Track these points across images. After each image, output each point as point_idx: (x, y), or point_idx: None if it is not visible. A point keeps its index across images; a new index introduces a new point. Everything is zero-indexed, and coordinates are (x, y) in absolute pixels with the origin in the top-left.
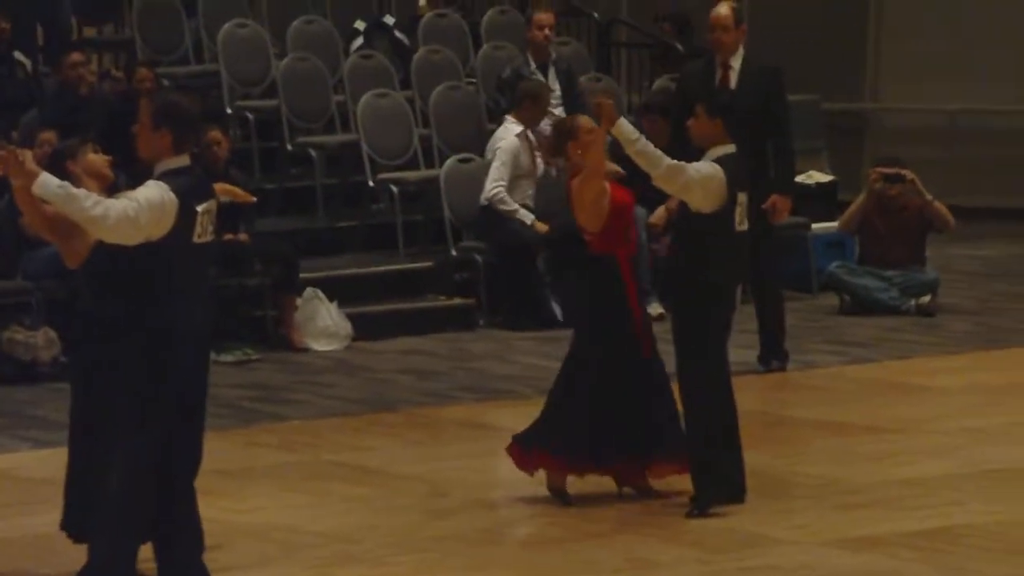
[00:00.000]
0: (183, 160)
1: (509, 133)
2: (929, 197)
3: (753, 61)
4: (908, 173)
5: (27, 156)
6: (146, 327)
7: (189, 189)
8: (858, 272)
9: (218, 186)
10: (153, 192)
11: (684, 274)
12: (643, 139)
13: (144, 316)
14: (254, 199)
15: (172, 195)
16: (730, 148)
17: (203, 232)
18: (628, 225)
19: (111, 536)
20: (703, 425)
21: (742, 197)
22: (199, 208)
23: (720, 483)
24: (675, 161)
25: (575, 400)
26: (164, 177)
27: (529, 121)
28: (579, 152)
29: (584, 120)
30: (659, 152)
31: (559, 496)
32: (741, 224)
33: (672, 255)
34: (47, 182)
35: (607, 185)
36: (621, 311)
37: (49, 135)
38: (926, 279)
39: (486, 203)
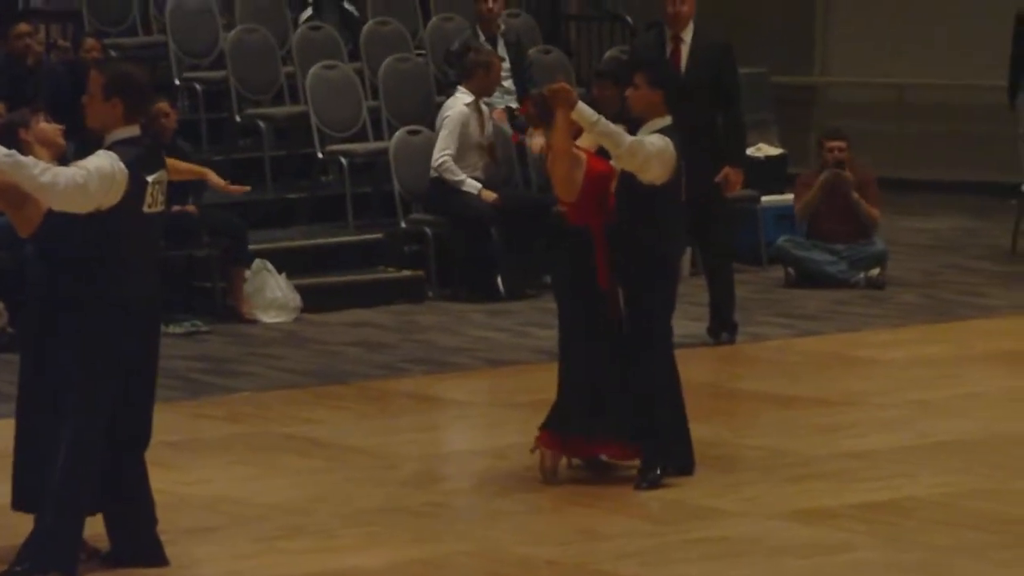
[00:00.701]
0: (134, 130)
1: (458, 103)
2: (856, 197)
3: (704, 35)
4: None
5: None
6: (96, 297)
7: (139, 159)
8: (806, 245)
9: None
10: (103, 161)
11: (634, 246)
12: (602, 120)
13: (94, 286)
14: (247, 188)
15: (122, 165)
16: (667, 120)
17: (153, 202)
18: (605, 195)
19: (57, 508)
20: (655, 396)
21: (684, 167)
22: (149, 178)
23: (668, 455)
24: (633, 138)
25: (565, 375)
26: (115, 147)
27: (480, 91)
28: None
29: (562, 83)
30: (620, 131)
31: (550, 476)
32: (681, 196)
33: (619, 227)
34: None
35: (582, 156)
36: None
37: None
38: (874, 251)
39: (435, 174)
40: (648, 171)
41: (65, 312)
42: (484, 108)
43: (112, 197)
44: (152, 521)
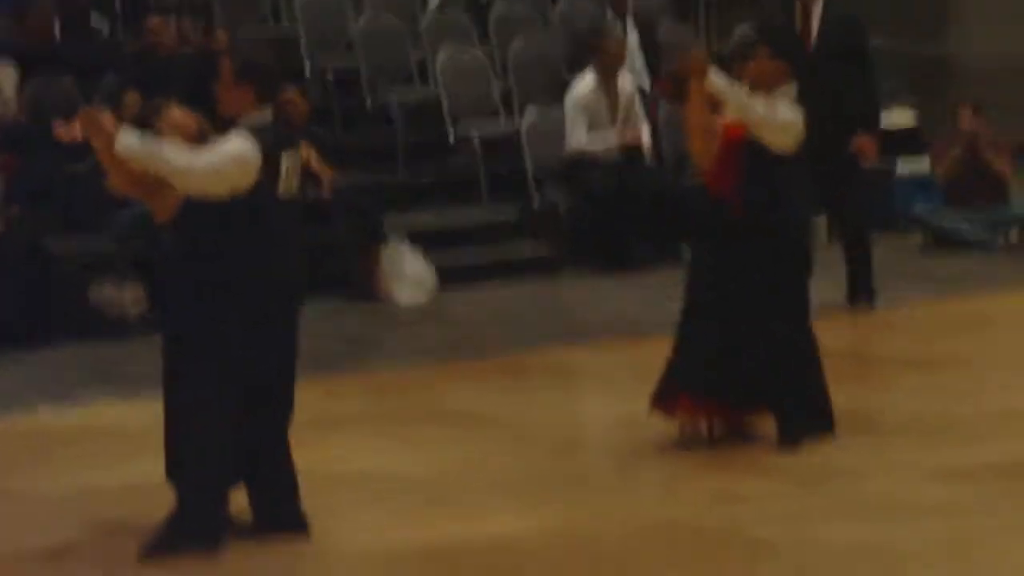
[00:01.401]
0: (266, 114)
1: (581, 85)
2: (989, 156)
3: (834, 6)
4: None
5: (105, 116)
6: (235, 280)
7: (273, 142)
8: (944, 211)
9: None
10: (237, 144)
11: (759, 215)
12: (736, 88)
13: (230, 270)
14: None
15: (255, 148)
16: (793, 89)
17: (288, 185)
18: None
19: (195, 481)
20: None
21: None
22: (283, 162)
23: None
24: (766, 106)
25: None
26: (248, 131)
27: (604, 73)
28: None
29: (696, 53)
30: (753, 99)
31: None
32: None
33: (744, 193)
34: (127, 138)
35: (717, 125)
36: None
37: (134, 96)
38: (1012, 214)
39: (570, 155)
40: (782, 138)
41: (205, 294)
42: (626, 86)
43: (247, 180)
44: (295, 494)
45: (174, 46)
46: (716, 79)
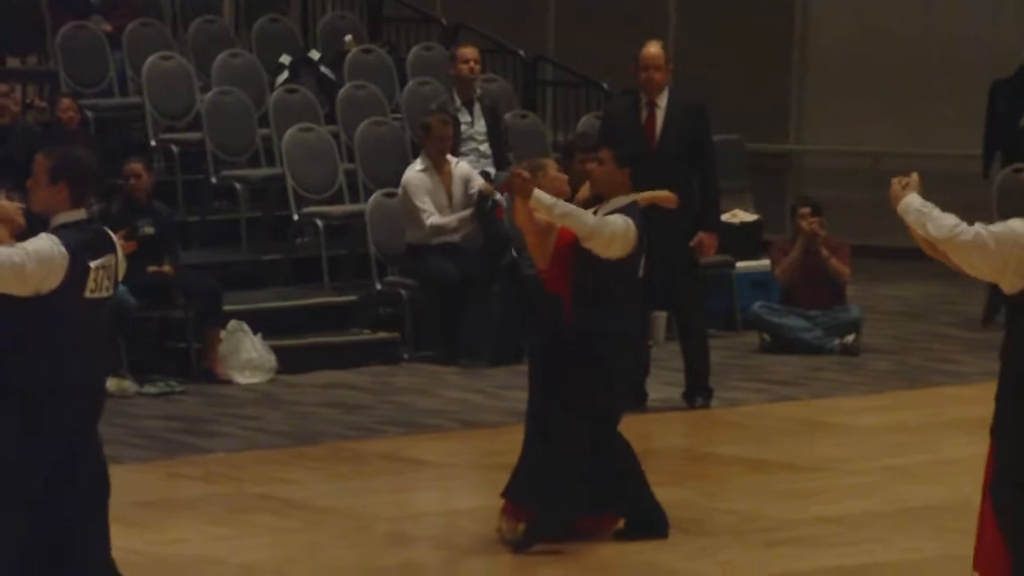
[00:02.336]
0: (79, 214)
1: (411, 170)
2: (825, 254)
3: (679, 99)
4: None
5: None
6: (25, 385)
7: (83, 244)
8: (782, 312)
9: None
10: (44, 244)
11: (588, 322)
12: (559, 204)
13: (26, 373)
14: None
15: (63, 249)
16: (631, 198)
17: (97, 287)
18: None
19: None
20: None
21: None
22: (93, 264)
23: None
24: (596, 218)
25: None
26: (58, 231)
27: (431, 153)
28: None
29: (550, 160)
30: (579, 212)
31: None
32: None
33: (567, 304)
34: None
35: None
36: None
37: None
38: (850, 318)
39: (417, 240)
40: (609, 249)
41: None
42: (459, 171)
43: (51, 281)
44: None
45: (18, 112)
46: (540, 196)
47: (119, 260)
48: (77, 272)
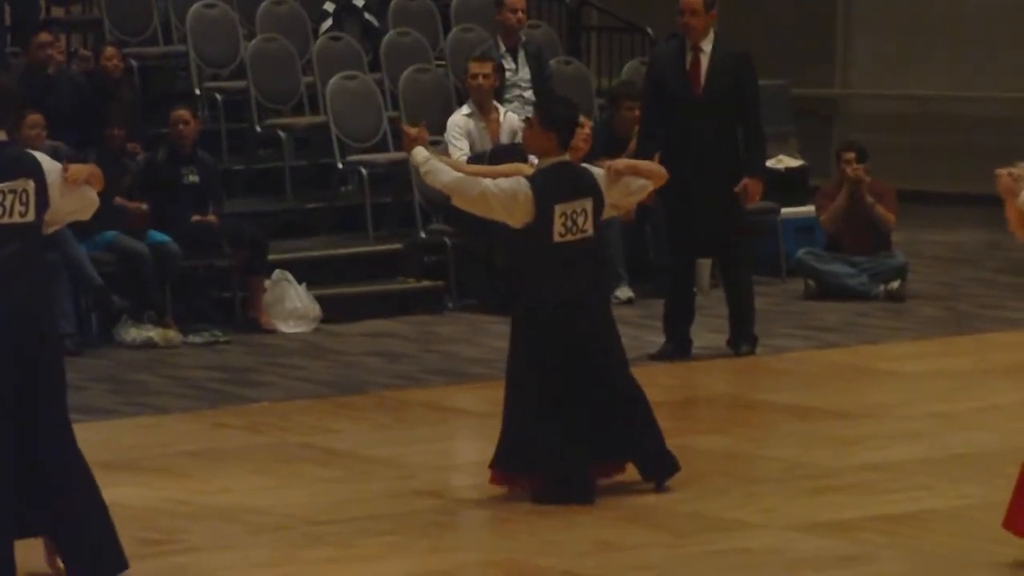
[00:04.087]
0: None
1: (457, 113)
2: (870, 200)
3: (724, 46)
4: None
5: None
6: None
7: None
8: (826, 258)
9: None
10: None
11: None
12: (431, 162)
13: None
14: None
15: None
16: (560, 158)
17: (6, 212)
18: None
19: None
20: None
21: (564, 208)
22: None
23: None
24: (466, 176)
25: None
26: None
27: (476, 99)
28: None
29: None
30: (445, 168)
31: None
32: (567, 235)
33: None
34: None
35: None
36: None
37: (36, 117)
38: (895, 264)
39: None
40: (491, 212)
41: None
42: (508, 121)
43: None
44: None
45: (63, 62)
46: (416, 152)
47: (44, 185)
48: None
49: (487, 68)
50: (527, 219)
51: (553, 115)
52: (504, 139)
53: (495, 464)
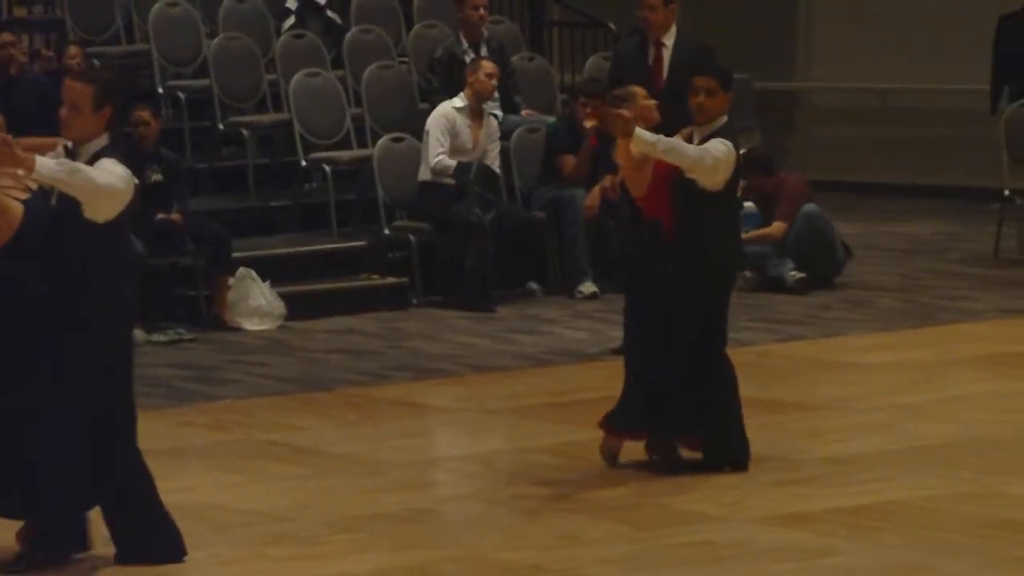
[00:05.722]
0: None
1: (447, 104)
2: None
3: (686, 40)
4: None
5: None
6: None
7: None
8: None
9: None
10: None
11: (691, 252)
12: (662, 140)
13: None
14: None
15: None
16: (724, 120)
17: None
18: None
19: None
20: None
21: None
22: None
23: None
24: (697, 147)
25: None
26: None
27: (475, 98)
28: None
29: (638, 88)
30: (681, 144)
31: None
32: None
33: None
34: None
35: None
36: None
37: None
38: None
39: (428, 178)
40: (715, 177)
41: None
42: (489, 123)
43: None
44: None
45: (25, 62)
46: (641, 134)
47: None
48: None
49: (496, 69)
50: (727, 177)
51: (730, 79)
52: (483, 141)
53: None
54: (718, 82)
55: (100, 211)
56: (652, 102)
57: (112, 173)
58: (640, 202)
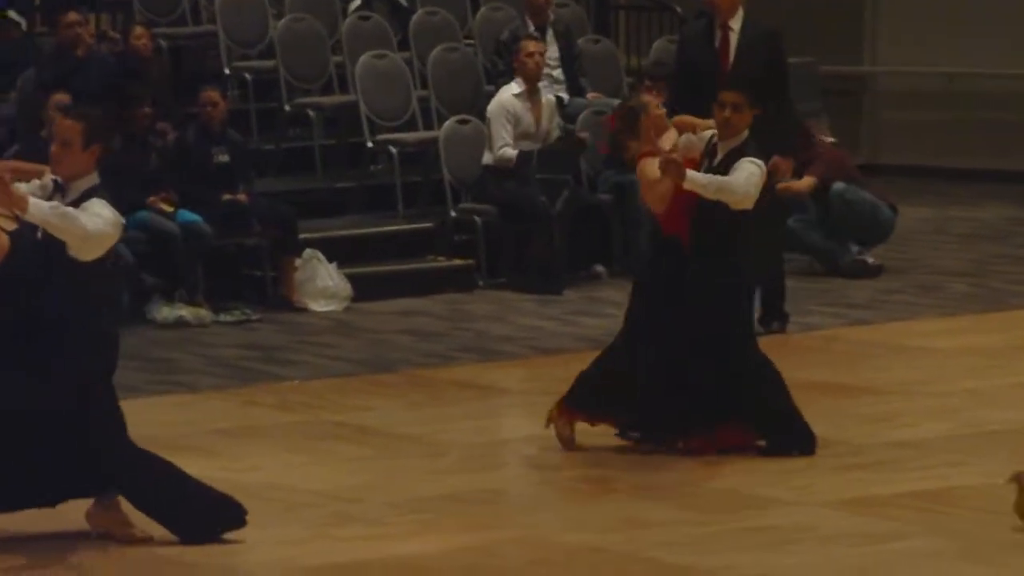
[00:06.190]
0: None
1: (506, 91)
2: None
3: (753, 23)
4: None
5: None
6: None
7: None
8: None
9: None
10: None
11: (715, 267)
12: (713, 181)
13: None
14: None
15: None
16: (746, 134)
17: None
18: (694, 204)
19: None
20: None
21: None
22: None
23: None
24: (741, 181)
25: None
26: None
27: (527, 80)
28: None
29: (649, 97)
30: (729, 181)
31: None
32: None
33: (699, 245)
34: None
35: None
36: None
37: (62, 97)
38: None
39: (491, 162)
40: (749, 202)
41: None
42: (547, 101)
43: None
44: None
45: (92, 43)
46: (694, 178)
47: None
48: None
49: (542, 47)
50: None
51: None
52: (545, 122)
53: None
54: (745, 98)
55: (85, 254)
56: (663, 111)
57: (101, 217)
58: (660, 218)
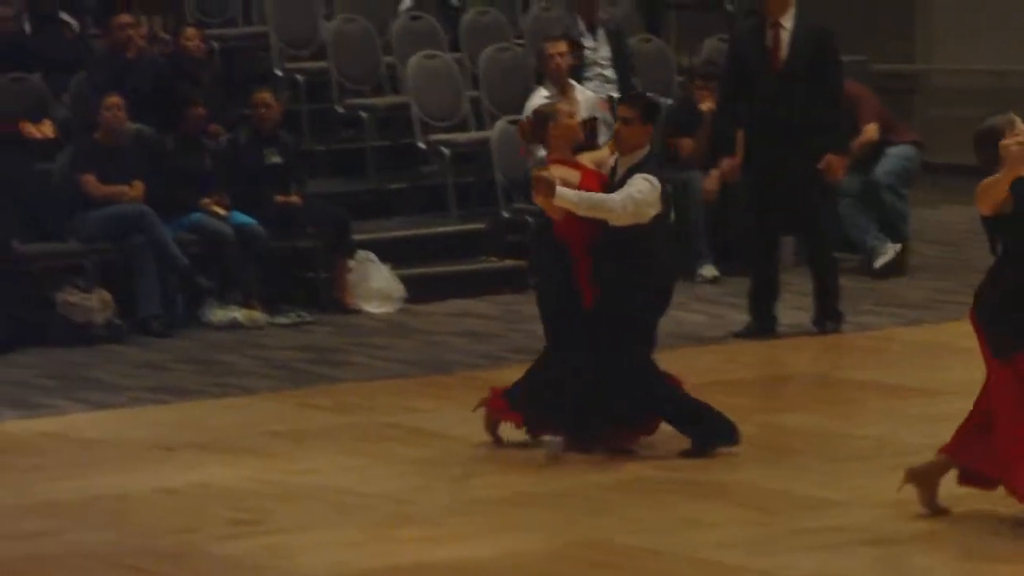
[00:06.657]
0: None
1: (537, 95)
2: None
3: (805, 21)
4: None
5: None
6: None
7: None
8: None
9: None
10: None
11: (629, 281)
12: (584, 198)
13: None
14: None
15: None
16: (647, 149)
17: None
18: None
19: None
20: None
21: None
22: None
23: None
24: (621, 197)
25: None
26: None
27: (553, 80)
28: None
29: (562, 105)
30: (603, 199)
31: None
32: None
33: (606, 262)
34: None
35: (574, 178)
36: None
37: (116, 99)
38: None
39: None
40: (640, 218)
41: None
42: (585, 99)
43: None
44: None
45: (143, 45)
46: (563, 194)
47: None
48: None
49: (562, 47)
50: (656, 211)
51: (654, 110)
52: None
53: None
54: (638, 112)
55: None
56: (576, 120)
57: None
58: (557, 224)
